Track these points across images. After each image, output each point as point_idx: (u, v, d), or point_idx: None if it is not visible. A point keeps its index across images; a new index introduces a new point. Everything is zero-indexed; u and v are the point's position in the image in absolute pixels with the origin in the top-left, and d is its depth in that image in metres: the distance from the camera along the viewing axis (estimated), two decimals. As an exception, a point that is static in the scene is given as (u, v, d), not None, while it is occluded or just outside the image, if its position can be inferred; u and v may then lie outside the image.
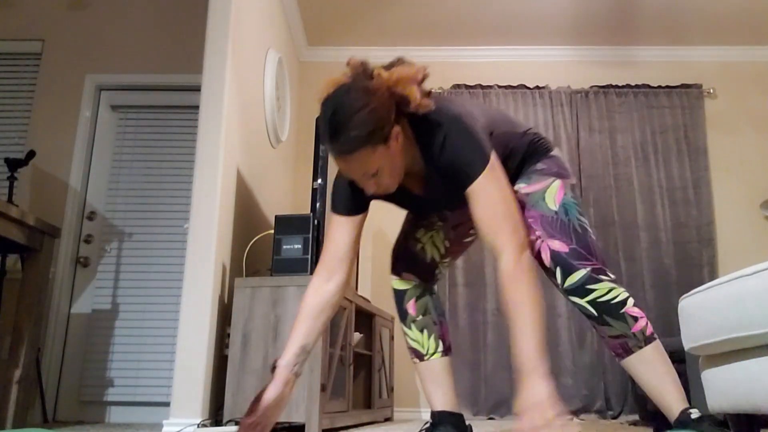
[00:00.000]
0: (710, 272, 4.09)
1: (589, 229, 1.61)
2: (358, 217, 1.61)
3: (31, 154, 3.06)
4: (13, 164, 3.01)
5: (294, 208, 4.30)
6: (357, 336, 3.18)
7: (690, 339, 1.71)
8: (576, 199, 1.65)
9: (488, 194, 1.41)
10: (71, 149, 3.77)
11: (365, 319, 3.51)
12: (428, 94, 1.44)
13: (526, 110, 4.39)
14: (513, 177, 1.69)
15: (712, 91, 4.43)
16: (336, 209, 1.62)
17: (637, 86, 4.44)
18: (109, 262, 3.64)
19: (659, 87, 4.43)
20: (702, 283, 4.00)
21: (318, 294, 1.58)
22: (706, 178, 4.26)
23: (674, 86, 4.43)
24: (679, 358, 2.88)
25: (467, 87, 4.45)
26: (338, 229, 1.61)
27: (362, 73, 1.44)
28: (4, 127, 3.87)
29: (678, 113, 4.37)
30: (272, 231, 2.79)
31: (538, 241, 1.59)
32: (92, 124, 3.85)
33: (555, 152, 1.73)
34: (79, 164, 3.75)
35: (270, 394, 1.44)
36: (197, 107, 2.80)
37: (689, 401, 2.71)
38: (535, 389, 1.24)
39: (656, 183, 4.24)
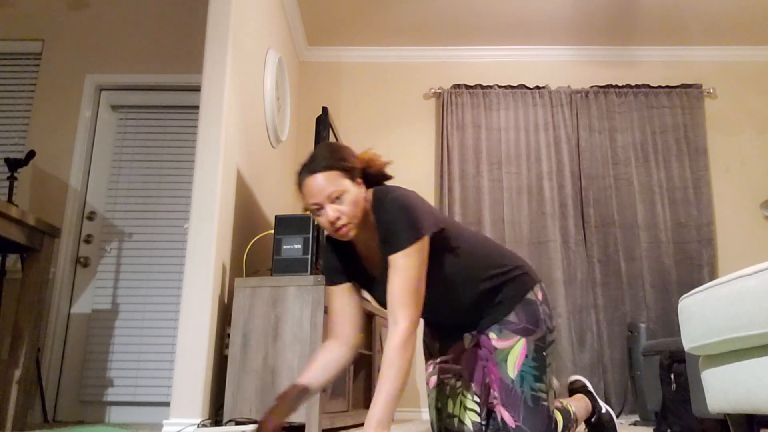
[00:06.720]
0: (710, 272, 4.09)
1: (543, 395, 1.71)
2: (345, 287, 1.76)
3: (31, 154, 3.06)
4: (13, 164, 3.01)
5: (294, 208, 4.30)
6: (357, 336, 3.17)
7: (690, 339, 1.71)
8: (537, 358, 1.73)
9: (406, 269, 1.53)
10: (71, 149, 3.77)
11: (365, 319, 3.51)
12: (365, 177, 1.67)
13: (526, 110, 4.39)
14: (483, 298, 1.76)
15: (712, 91, 4.43)
16: (327, 281, 1.79)
17: (637, 86, 4.43)
18: (109, 262, 3.64)
19: (659, 87, 4.43)
20: (702, 283, 4.00)
21: (327, 352, 1.70)
22: (706, 178, 4.25)
23: (674, 86, 4.43)
24: (679, 358, 2.88)
25: (467, 87, 4.45)
26: (333, 299, 1.76)
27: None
28: (4, 127, 3.87)
29: (678, 113, 4.37)
30: (272, 231, 2.79)
31: (495, 401, 1.75)
32: (92, 124, 3.85)
33: (532, 294, 1.78)
34: (79, 164, 3.75)
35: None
36: (197, 107, 2.81)
37: (689, 402, 2.71)
38: None
39: (656, 183, 4.24)
